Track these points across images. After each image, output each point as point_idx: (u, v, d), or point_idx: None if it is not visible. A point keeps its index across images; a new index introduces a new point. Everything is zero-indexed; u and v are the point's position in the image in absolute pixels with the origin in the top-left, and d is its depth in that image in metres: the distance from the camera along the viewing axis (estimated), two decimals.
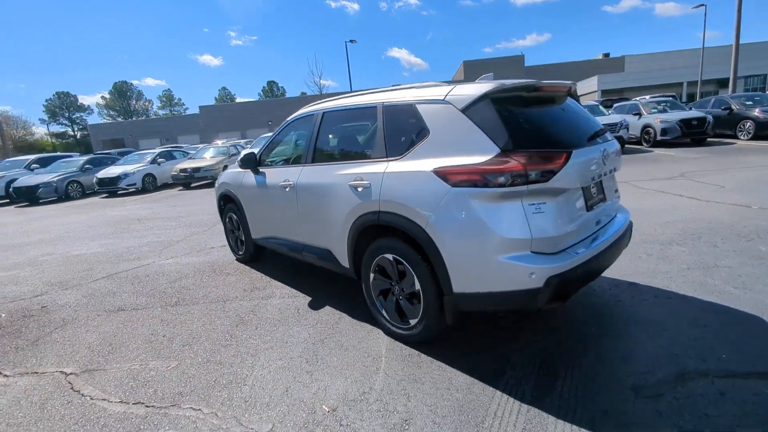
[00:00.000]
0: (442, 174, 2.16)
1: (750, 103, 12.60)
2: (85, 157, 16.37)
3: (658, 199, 5.78)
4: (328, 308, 3.24)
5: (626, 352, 2.32)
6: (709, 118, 11.99)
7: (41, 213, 11.14)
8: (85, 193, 14.74)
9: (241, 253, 4.62)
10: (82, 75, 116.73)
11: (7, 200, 14.85)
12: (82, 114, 72.43)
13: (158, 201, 11.25)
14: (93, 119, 69.08)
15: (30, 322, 3.47)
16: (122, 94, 74.10)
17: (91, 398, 2.32)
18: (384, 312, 2.71)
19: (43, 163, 16.30)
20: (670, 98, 14.74)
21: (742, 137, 12.30)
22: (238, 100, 73.63)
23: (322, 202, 3.00)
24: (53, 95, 70.22)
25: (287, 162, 3.74)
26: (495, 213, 2.04)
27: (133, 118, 65.77)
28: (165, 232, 6.74)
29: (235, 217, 4.47)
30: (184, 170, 13.73)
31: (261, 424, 1.98)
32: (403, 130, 2.53)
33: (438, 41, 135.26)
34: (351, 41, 29.72)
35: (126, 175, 13.79)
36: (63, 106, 70.60)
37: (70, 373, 2.60)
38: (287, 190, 3.37)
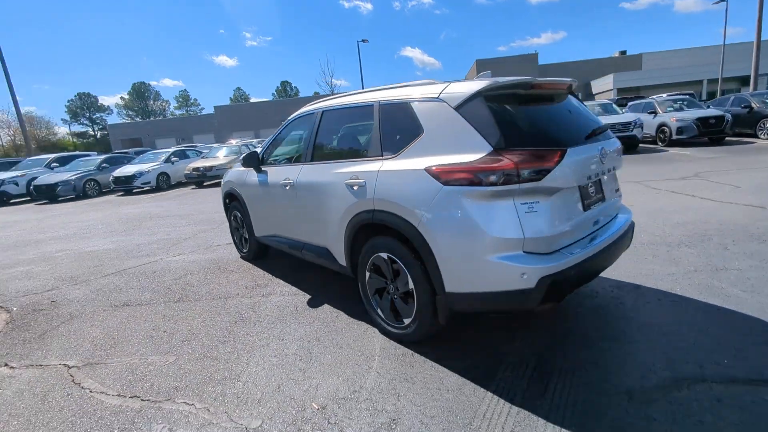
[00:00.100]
0: (434, 172, 2.15)
1: None
2: (102, 156, 16.77)
3: (670, 200, 5.64)
4: (326, 306, 3.25)
5: (623, 355, 2.26)
6: (728, 116, 11.64)
7: (59, 210, 11.46)
8: (101, 191, 15.11)
9: (245, 250, 4.68)
10: (102, 76, 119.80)
11: (28, 198, 15.31)
12: (102, 114, 74.29)
13: (171, 199, 11.46)
14: (112, 119, 70.81)
15: (39, 316, 3.57)
16: (140, 95, 75.70)
17: (90, 391, 2.37)
18: (379, 311, 2.71)
19: (63, 162, 16.73)
20: (688, 96, 14.35)
21: (762, 136, 11.90)
22: (252, 100, 74.46)
23: (320, 200, 3.01)
24: (75, 96, 72.28)
25: (288, 161, 3.76)
26: (487, 212, 2.01)
27: (151, 118, 67.15)
28: (175, 230, 6.86)
29: (239, 215, 4.52)
30: (196, 169, 13.95)
31: (251, 420, 2.00)
32: (398, 129, 2.52)
33: (451, 40, 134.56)
34: (363, 41, 29.81)
35: (141, 173, 14.09)
36: (84, 106, 72.48)
37: (73, 366, 2.67)
38: (287, 188, 3.40)
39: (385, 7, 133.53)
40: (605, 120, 11.64)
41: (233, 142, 19.05)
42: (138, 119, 68.20)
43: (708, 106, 13.48)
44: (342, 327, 2.89)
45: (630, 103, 14.67)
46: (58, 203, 13.52)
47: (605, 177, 2.49)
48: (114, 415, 2.13)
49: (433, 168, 2.16)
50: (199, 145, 22.22)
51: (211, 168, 13.89)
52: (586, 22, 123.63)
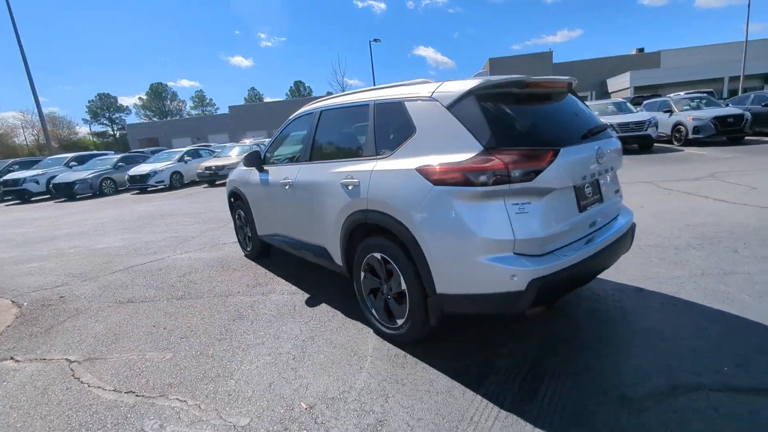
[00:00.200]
0: (425, 172, 2.13)
1: None
2: (118, 156, 17.17)
3: (681, 201, 5.49)
4: (324, 306, 3.26)
5: (618, 361, 2.21)
6: (747, 115, 11.26)
7: (76, 208, 11.77)
8: (117, 189, 15.46)
9: (249, 249, 4.72)
10: (122, 77, 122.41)
11: (48, 196, 15.76)
12: (121, 114, 75.96)
13: (183, 197, 11.65)
14: (131, 119, 72.34)
15: (47, 311, 3.67)
16: (158, 95, 77.20)
17: (89, 385, 2.43)
18: (374, 311, 2.71)
19: (81, 161, 17.19)
20: (706, 94, 13.93)
21: None
22: (267, 99, 75.25)
23: (318, 200, 3.02)
24: (95, 97, 74.07)
25: (288, 160, 3.78)
26: (477, 213, 1.99)
27: (168, 118, 68.39)
28: (183, 228, 6.97)
29: (243, 213, 4.57)
30: (208, 168, 14.15)
31: (239, 418, 2.02)
32: (392, 128, 2.51)
33: (465, 39, 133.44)
34: (375, 40, 29.81)
35: (155, 172, 14.37)
36: (104, 106, 74.23)
37: (74, 361, 2.73)
38: (287, 187, 3.42)
39: (399, 6, 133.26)
40: (618, 119, 11.41)
41: (246, 141, 19.29)
42: (155, 119, 69.50)
43: (727, 105, 13.08)
44: (337, 326, 2.89)
45: (645, 102, 14.33)
46: (76, 201, 13.88)
47: (603, 177, 2.43)
48: (108, 410, 2.17)
49: (424, 168, 2.14)
50: (212, 144, 22.53)
51: (222, 167, 14.05)
52: (604, 20, 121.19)
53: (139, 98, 77.59)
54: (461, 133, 2.08)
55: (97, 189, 14.73)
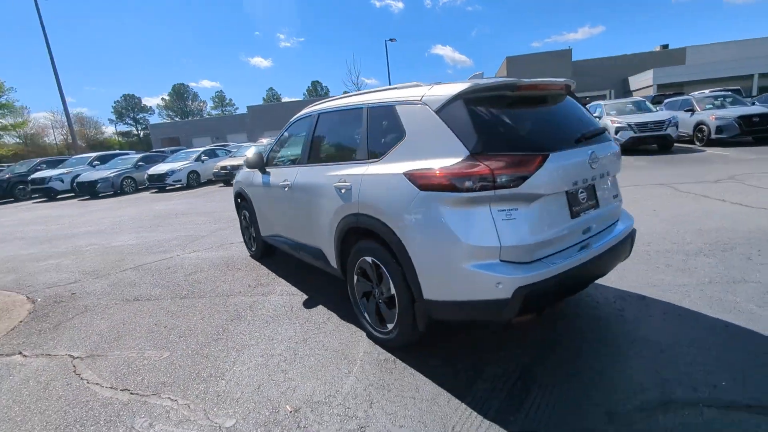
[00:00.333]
0: (412, 177, 2.11)
1: None
2: (139, 155, 17.64)
3: (697, 204, 5.30)
4: (320, 308, 3.28)
5: (612, 372, 2.15)
6: None
7: (98, 206, 12.16)
8: (137, 188, 15.89)
9: (253, 249, 4.79)
10: (146, 78, 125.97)
11: (72, 194, 16.33)
12: (144, 114, 78.19)
13: (198, 197, 11.90)
14: (154, 119, 74.37)
15: (58, 308, 3.80)
16: (180, 96, 79.09)
17: (88, 382, 2.50)
18: (366, 314, 2.71)
19: (103, 160, 17.75)
20: (732, 92, 13.37)
21: None
22: (285, 99, 76.04)
23: (314, 202, 3.04)
24: (120, 97, 76.43)
25: (288, 162, 3.82)
26: (462, 219, 1.96)
27: (189, 118, 69.97)
28: (196, 227, 7.12)
29: (247, 214, 4.63)
30: (224, 167, 14.40)
31: (225, 419, 2.05)
32: (383, 132, 2.50)
33: (483, 37, 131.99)
34: (391, 40, 29.79)
35: (173, 171, 14.72)
36: (128, 107, 76.54)
37: (77, 357, 2.83)
38: (286, 189, 3.45)
39: (416, 5, 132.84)
40: (636, 118, 11.09)
41: (263, 141, 19.54)
42: (177, 119, 71.22)
43: (753, 103, 12.54)
44: (331, 329, 2.90)
45: (666, 101, 13.86)
46: (98, 199, 14.34)
47: (599, 182, 2.36)
48: (103, 407, 2.23)
49: (412, 172, 2.12)
50: (229, 144, 22.92)
51: (237, 167, 14.26)
52: (627, 16, 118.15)
53: (162, 99, 79.88)
54: (449, 138, 2.06)
55: (119, 188, 15.18)
